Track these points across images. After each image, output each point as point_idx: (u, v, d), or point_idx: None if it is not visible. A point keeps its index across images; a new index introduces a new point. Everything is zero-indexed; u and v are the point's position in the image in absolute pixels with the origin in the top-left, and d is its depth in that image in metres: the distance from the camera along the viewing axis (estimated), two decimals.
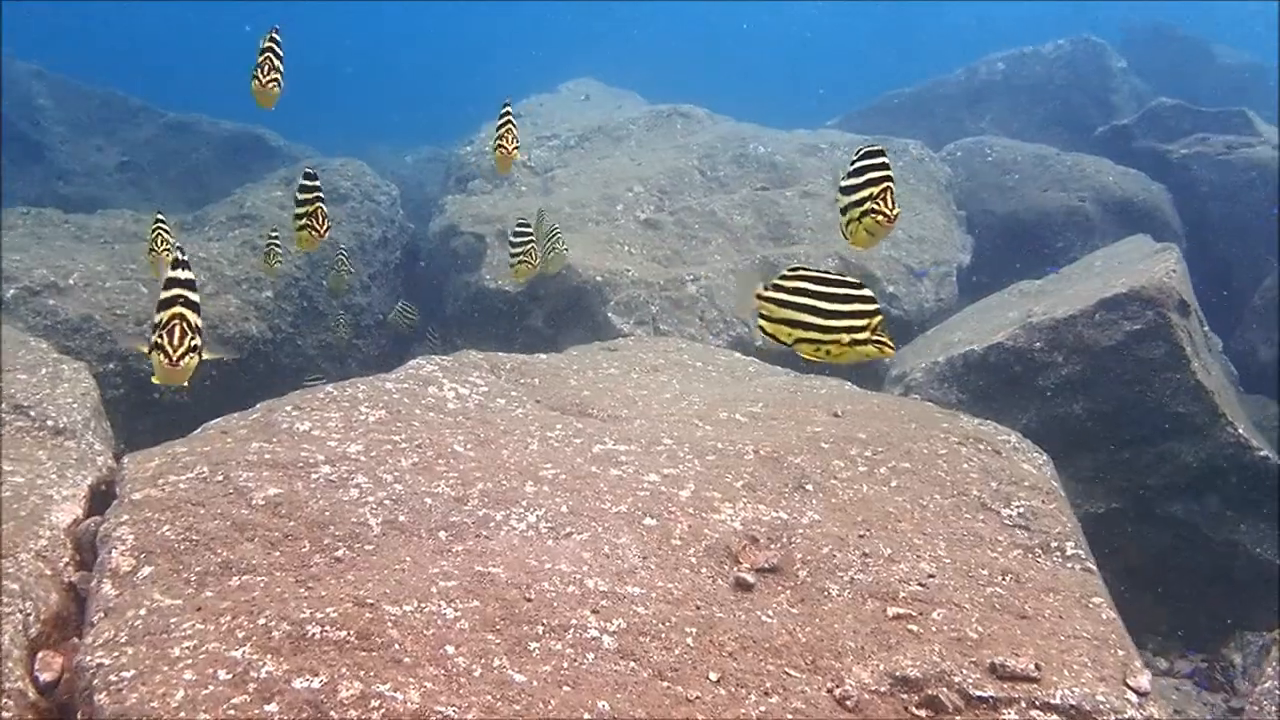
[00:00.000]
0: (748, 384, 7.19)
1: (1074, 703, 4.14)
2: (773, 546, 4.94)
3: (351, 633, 4.00)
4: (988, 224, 11.29)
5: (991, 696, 4.13)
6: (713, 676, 4.10)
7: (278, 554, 4.53)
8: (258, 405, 5.97)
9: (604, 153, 11.83)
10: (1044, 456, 6.25)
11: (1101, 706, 4.14)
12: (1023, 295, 8.93)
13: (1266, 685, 5.09)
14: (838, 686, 4.13)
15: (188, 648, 3.92)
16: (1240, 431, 7.00)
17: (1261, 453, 7.00)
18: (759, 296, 4.33)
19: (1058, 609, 4.69)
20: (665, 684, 4.02)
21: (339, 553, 4.55)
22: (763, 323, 4.34)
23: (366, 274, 11.69)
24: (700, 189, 10.66)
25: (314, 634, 3.98)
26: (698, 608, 4.46)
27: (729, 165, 11.01)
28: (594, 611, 4.32)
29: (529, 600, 4.33)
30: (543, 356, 7.26)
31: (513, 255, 7.59)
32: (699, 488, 5.29)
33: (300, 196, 6.12)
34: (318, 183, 6.13)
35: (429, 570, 4.45)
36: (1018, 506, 5.48)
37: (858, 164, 4.72)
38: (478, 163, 12.02)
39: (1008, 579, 4.86)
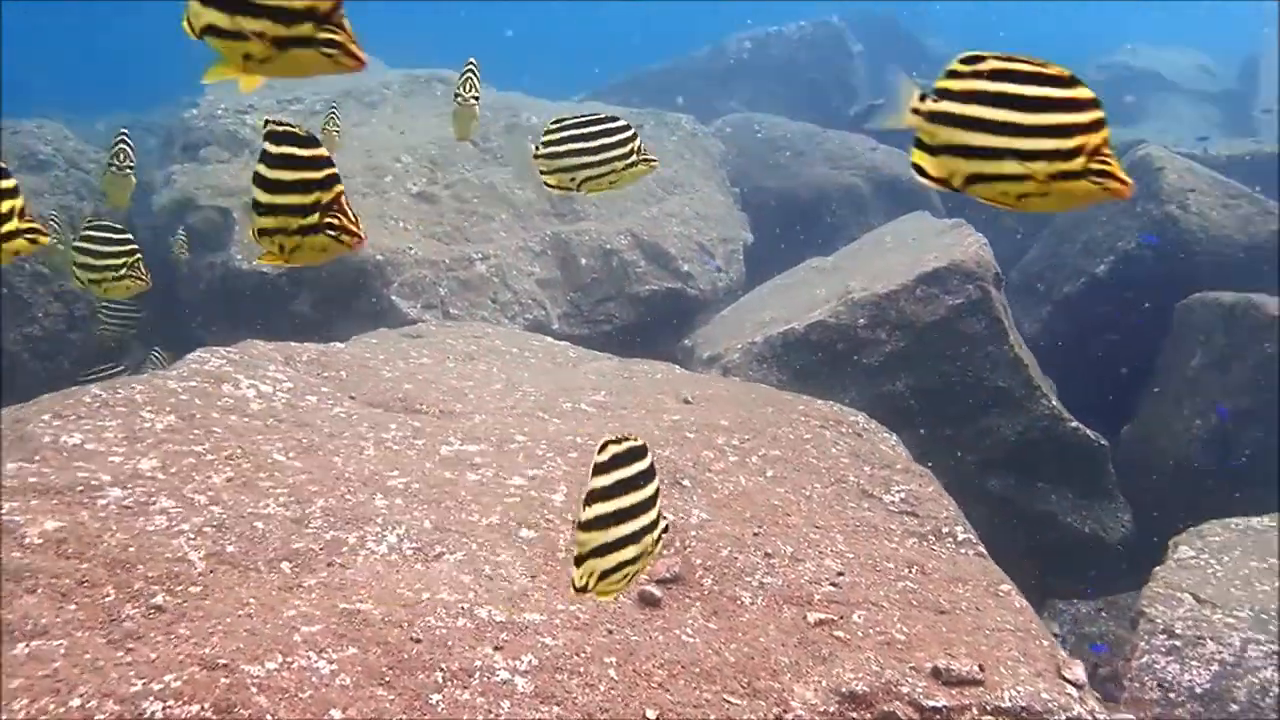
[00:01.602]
0: (574, 371, 6.57)
1: (1024, 704, 3.85)
2: (667, 552, 4.38)
3: (206, 706, 3.10)
4: (761, 201, 11.17)
5: (944, 706, 3.77)
6: (650, 714, 3.51)
7: (74, 608, 3.51)
8: None
9: (358, 119, 10.78)
10: (895, 437, 6.05)
11: (1050, 705, 3.88)
12: (820, 272, 8.79)
13: (1143, 660, 5.05)
14: (786, 712, 3.64)
15: None
16: (1054, 404, 7.11)
17: (1072, 424, 7.13)
18: None
19: (972, 600, 4.41)
20: None
21: (158, 599, 3.58)
22: None
23: None
24: (474, 160, 9.86)
25: (154, 713, 3.05)
26: (610, 632, 3.84)
27: (502, 135, 10.27)
28: (497, 648, 3.62)
29: (417, 641, 3.56)
30: (341, 346, 6.34)
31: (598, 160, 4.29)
32: (572, 490, 4.65)
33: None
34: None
35: (283, 613, 3.58)
36: (898, 491, 5.19)
37: None
38: (209, 127, 10.62)
39: (914, 571, 4.54)
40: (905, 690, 3.78)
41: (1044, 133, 2.53)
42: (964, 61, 2.62)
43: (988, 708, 3.81)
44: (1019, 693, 3.88)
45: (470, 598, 3.84)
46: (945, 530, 4.95)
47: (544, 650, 3.64)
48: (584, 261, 8.85)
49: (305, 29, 2.61)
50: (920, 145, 2.72)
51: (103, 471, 4.23)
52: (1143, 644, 5.09)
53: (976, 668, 3.91)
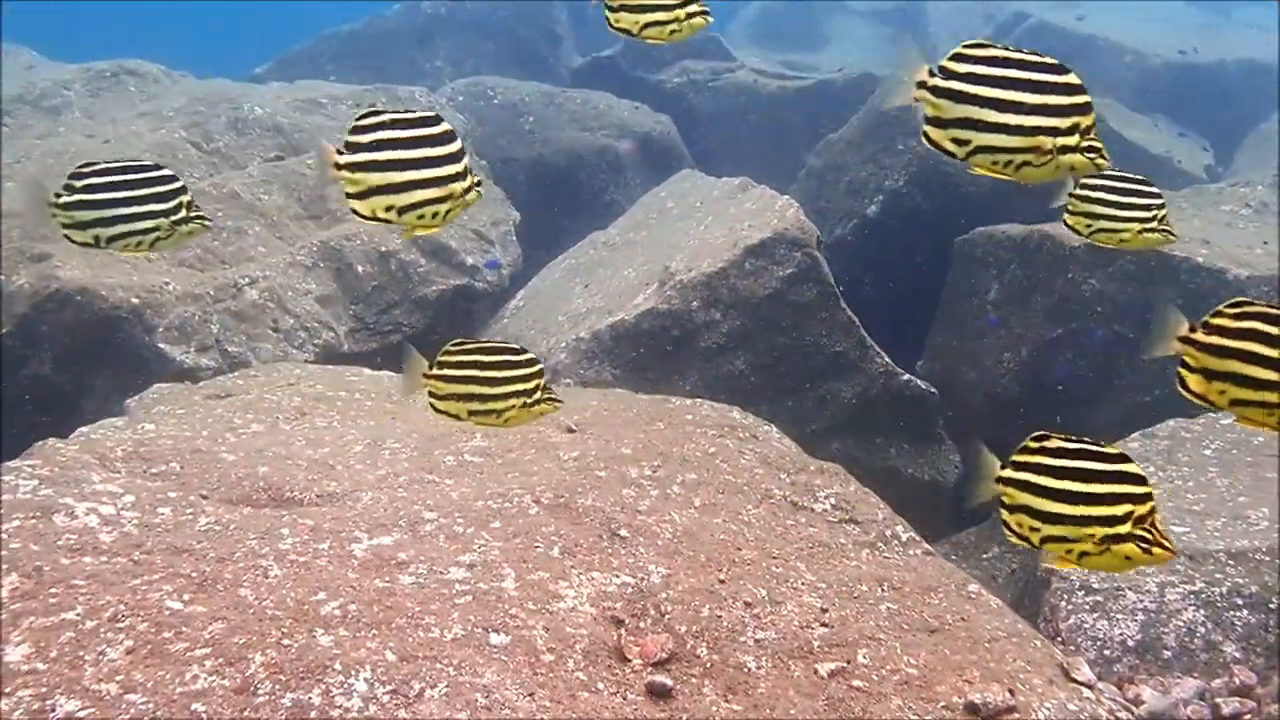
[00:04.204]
0: (417, 407, 5.91)
1: None
2: (645, 624, 4.00)
3: None
4: (512, 173, 10.62)
5: None
6: None
7: None
8: None
9: (44, 130, 9.20)
10: (775, 429, 5.88)
11: (1081, 716, 3.86)
12: (612, 248, 8.44)
13: (1071, 621, 5.17)
14: None
15: None
16: (886, 360, 7.19)
17: (904, 377, 7.26)
18: None
19: (954, 611, 4.33)
20: None
21: None
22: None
23: None
24: (202, 166, 8.68)
25: None
26: None
27: (228, 133, 9.08)
28: None
29: None
30: (152, 428, 5.36)
31: None
32: (518, 572, 4.14)
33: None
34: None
35: None
36: (827, 498, 5.02)
37: None
38: None
39: (885, 589, 4.40)
40: None
41: None
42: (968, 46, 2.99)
43: None
44: (1050, 709, 3.84)
45: None
46: (889, 533, 4.84)
47: None
48: (361, 269, 8.03)
49: None
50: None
51: None
52: (1064, 604, 5.21)
53: (1007, 694, 3.82)
